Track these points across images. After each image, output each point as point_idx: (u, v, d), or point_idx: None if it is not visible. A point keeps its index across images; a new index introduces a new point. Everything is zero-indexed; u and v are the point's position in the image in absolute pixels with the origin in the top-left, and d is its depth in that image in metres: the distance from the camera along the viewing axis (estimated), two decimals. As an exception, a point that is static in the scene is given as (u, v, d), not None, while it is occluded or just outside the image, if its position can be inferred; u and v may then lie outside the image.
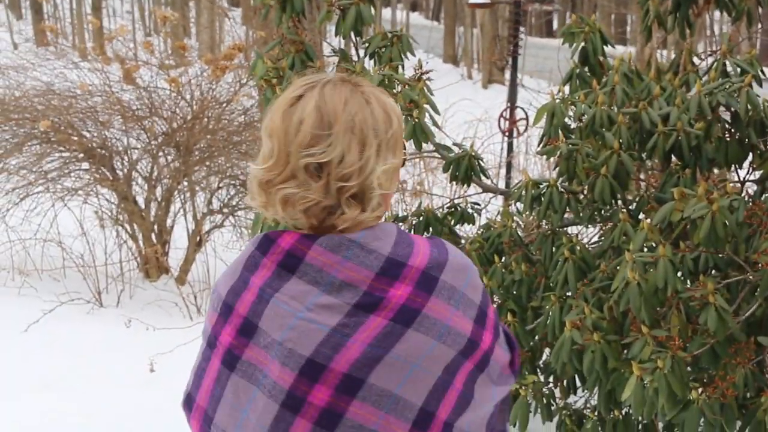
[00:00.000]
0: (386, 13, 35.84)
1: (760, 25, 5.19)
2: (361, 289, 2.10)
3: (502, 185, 10.18)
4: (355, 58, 4.91)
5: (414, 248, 2.16)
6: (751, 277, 3.92)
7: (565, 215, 4.47)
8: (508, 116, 11.54)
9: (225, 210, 9.40)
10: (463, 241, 4.71)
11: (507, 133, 11.41)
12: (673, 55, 4.97)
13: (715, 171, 4.58)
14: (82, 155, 9.13)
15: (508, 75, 15.60)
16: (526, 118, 11.20)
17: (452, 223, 4.84)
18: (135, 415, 6.06)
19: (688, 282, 4.01)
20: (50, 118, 8.85)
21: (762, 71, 4.36)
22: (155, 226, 9.31)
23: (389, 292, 2.10)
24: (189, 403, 2.30)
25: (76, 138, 9.03)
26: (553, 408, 4.53)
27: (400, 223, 4.73)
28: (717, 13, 4.84)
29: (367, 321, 2.09)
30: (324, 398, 2.09)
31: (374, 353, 2.09)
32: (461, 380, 2.17)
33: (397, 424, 2.11)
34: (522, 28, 13.64)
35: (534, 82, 18.83)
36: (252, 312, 2.16)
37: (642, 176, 4.78)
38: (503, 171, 11.16)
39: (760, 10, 4.69)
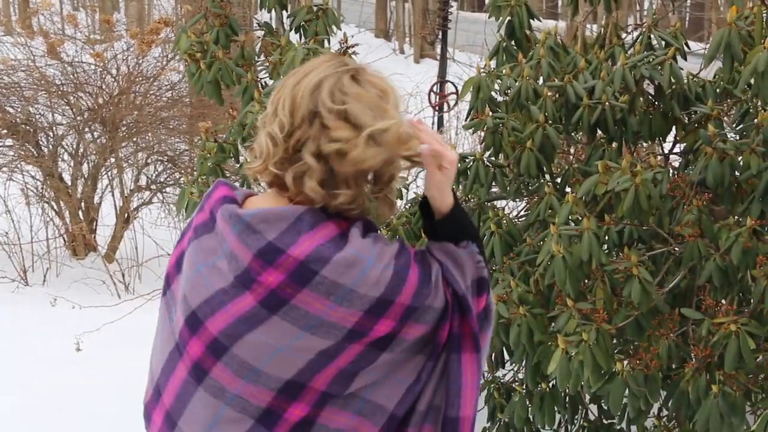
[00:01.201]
0: (317, -13, 35.70)
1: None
2: (243, 264, 2.14)
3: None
4: (281, 32, 4.87)
5: (300, 238, 2.13)
6: (675, 249, 3.97)
7: (492, 189, 4.48)
8: (438, 90, 11.54)
9: (153, 187, 9.31)
10: (391, 217, 4.70)
11: (437, 108, 11.41)
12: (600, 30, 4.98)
13: (642, 144, 4.61)
14: (5, 131, 8.98)
15: (438, 49, 15.62)
16: (456, 93, 11.20)
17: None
18: (62, 394, 5.99)
19: (613, 255, 4.05)
20: (-28, 94, 8.70)
21: (686, 44, 4.40)
22: (82, 203, 9.20)
23: (262, 275, 2.13)
24: None
25: (-1, 114, 8.89)
26: (481, 381, 4.54)
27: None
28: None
29: (242, 296, 2.15)
30: (197, 352, 2.22)
31: (237, 329, 2.15)
32: (346, 360, 2.17)
33: (258, 392, 2.18)
34: (452, 3, 13.62)
35: (465, 57, 18.83)
36: (182, 251, 2.34)
37: (568, 150, 4.81)
38: (434, 145, 11.16)
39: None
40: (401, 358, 2.24)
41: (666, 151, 4.61)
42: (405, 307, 2.15)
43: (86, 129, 9.15)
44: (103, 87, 9.18)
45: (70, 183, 9.13)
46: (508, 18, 4.68)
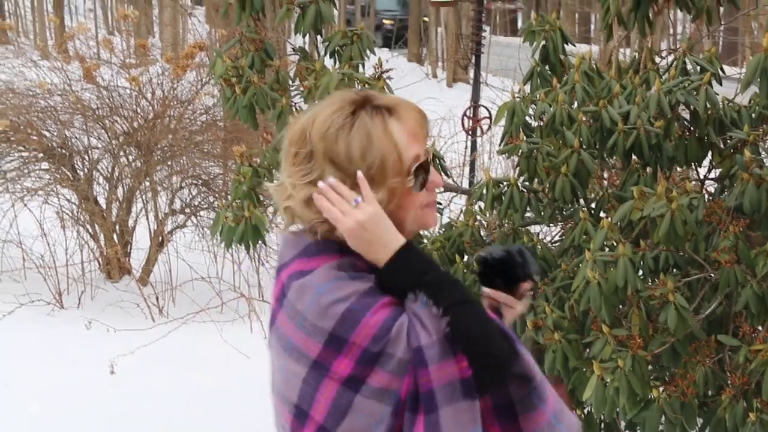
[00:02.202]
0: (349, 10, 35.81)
1: (721, 23, 5.21)
2: None
3: (466, 184, 10.18)
4: (316, 56, 4.89)
5: (294, 262, 2.19)
6: (711, 275, 3.94)
7: (527, 214, 4.47)
8: (471, 115, 11.54)
9: (187, 210, 9.34)
10: (425, 241, 4.69)
11: (470, 132, 11.40)
12: (634, 54, 4.97)
13: (677, 169, 4.59)
14: (42, 155, 9.04)
15: (472, 73, 15.64)
16: (490, 117, 11.20)
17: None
18: (96, 416, 6.02)
19: (649, 281, 4.02)
20: (9, 118, 8.75)
21: (721, 69, 4.38)
22: (117, 227, 9.23)
23: (272, 291, 2.26)
24: None
25: (35, 137, 8.94)
26: None
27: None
28: (679, 12, 4.84)
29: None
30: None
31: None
32: (328, 396, 2.14)
33: (283, 412, 2.26)
34: (485, 27, 13.63)
35: (498, 81, 18.85)
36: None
37: (603, 175, 4.79)
38: (467, 170, 11.14)
39: (720, 8, 4.71)
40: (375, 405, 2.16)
41: (701, 177, 4.59)
42: (362, 349, 2.09)
43: (121, 152, 9.20)
44: (138, 111, 9.22)
45: (105, 206, 9.17)
46: (543, 42, 4.69)
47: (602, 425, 4.49)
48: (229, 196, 5.36)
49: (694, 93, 4.07)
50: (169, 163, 9.26)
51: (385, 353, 2.08)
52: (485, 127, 11.41)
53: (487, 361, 2.10)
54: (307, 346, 2.13)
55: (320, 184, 2.12)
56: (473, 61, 12.49)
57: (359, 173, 2.10)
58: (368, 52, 4.75)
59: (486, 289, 2.32)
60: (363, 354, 2.08)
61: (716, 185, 4.43)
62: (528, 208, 4.36)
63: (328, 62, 4.77)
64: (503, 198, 4.29)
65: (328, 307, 2.10)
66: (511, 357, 2.15)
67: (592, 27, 32.74)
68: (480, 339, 2.09)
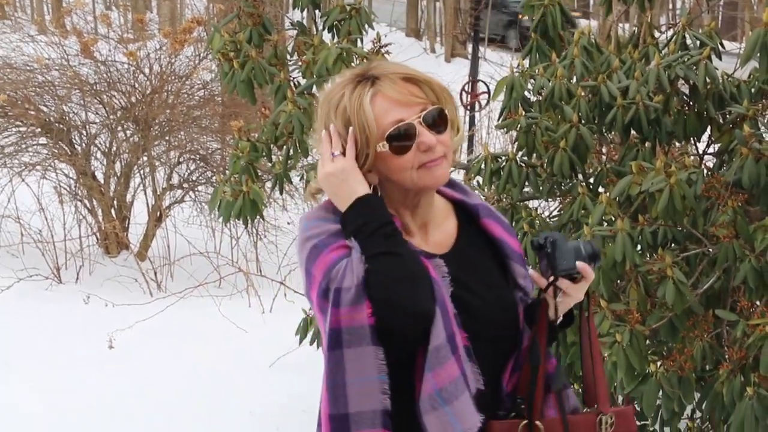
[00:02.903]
0: (349, -14, 35.72)
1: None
2: None
3: (465, 159, 10.18)
4: (314, 31, 4.87)
5: None
6: (709, 250, 3.94)
7: (525, 189, 4.47)
8: (470, 90, 11.53)
9: (185, 185, 9.33)
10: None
11: (469, 107, 11.39)
12: (633, 29, 4.96)
13: (676, 144, 4.58)
14: (39, 130, 9.02)
15: (470, 48, 15.59)
16: (488, 92, 11.18)
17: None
18: (95, 390, 6.03)
19: (647, 255, 4.02)
20: (7, 93, 8.73)
21: (721, 44, 4.36)
22: (115, 202, 9.23)
23: None
24: None
25: (33, 112, 8.92)
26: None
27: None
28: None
29: None
30: None
31: None
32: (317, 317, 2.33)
33: None
34: (484, 2, 13.61)
35: (497, 56, 18.82)
36: None
37: (602, 150, 4.78)
38: (465, 145, 11.14)
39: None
40: None
41: (700, 152, 4.58)
42: (318, 283, 2.22)
43: (119, 128, 9.19)
44: (136, 86, 9.20)
45: (102, 181, 9.17)
46: (542, 17, 4.67)
47: (600, 400, 4.50)
48: (227, 171, 5.36)
49: (694, 68, 4.05)
50: (167, 138, 9.25)
51: (329, 288, 2.19)
52: (483, 102, 11.40)
53: (388, 312, 2.16)
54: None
55: (323, 131, 2.30)
56: (472, 35, 12.46)
57: (350, 130, 2.25)
58: (366, 26, 4.74)
59: (530, 270, 2.38)
60: (319, 286, 2.21)
61: (715, 160, 4.42)
62: (526, 183, 4.35)
63: (327, 37, 4.76)
64: (501, 173, 4.28)
65: (303, 242, 2.30)
66: (419, 314, 2.18)
67: (591, 2, 32.64)
68: (385, 290, 2.16)
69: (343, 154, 2.25)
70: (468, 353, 2.25)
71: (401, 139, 2.23)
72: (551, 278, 2.30)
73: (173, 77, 9.32)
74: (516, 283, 2.40)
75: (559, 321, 2.39)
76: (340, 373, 2.19)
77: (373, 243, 2.20)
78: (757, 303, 3.90)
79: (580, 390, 2.56)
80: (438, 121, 2.25)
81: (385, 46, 4.66)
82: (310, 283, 2.26)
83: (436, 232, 2.38)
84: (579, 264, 2.27)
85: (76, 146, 9.10)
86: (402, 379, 2.21)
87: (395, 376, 2.20)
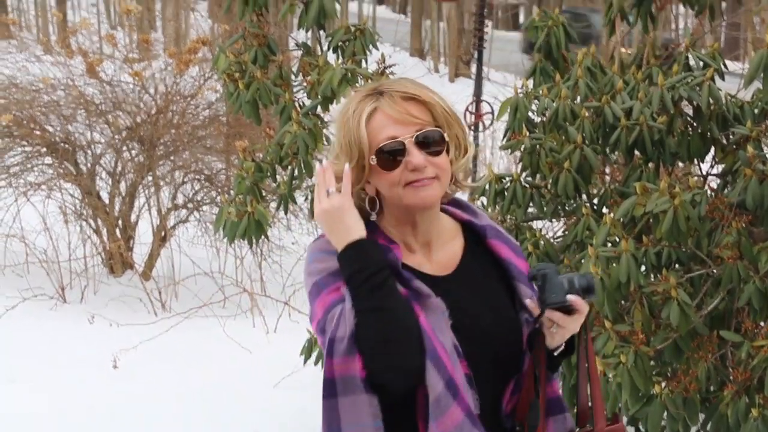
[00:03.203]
0: (352, 6, 35.81)
1: (723, 19, 5.20)
2: None
3: (469, 180, 10.18)
4: (319, 52, 4.88)
5: None
6: (713, 271, 3.94)
7: (529, 209, 4.47)
8: (473, 110, 11.54)
9: (190, 205, 9.33)
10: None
11: (473, 127, 11.40)
12: (636, 50, 4.97)
13: (679, 165, 4.58)
14: (45, 150, 9.03)
15: (474, 68, 15.63)
16: (492, 112, 11.19)
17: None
18: (99, 410, 6.02)
19: (651, 276, 4.02)
20: (12, 112, 8.75)
21: (724, 65, 4.37)
22: (119, 221, 9.23)
23: None
24: None
25: (38, 132, 8.93)
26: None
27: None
28: (681, 7, 4.84)
29: None
30: None
31: None
32: None
33: None
34: (487, 22, 13.63)
35: (500, 76, 18.87)
36: None
37: (606, 170, 4.79)
38: (470, 165, 11.15)
39: (723, 4, 4.70)
40: None
41: (704, 173, 4.58)
42: (318, 320, 2.27)
43: (124, 147, 9.19)
44: (141, 106, 9.21)
45: (107, 201, 9.17)
46: (545, 38, 4.68)
47: (604, 420, 4.49)
48: (231, 191, 5.36)
49: (697, 89, 4.06)
50: (172, 158, 9.25)
51: (325, 331, 2.23)
52: (487, 122, 11.41)
53: (377, 369, 2.19)
54: None
55: (317, 166, 2.35)
56: (475, 56, 12.47)
57: (346, 167, 2.26)
58: (371, 47, 4.75)
59: (527, 301, 2.36)
60: (318, 324, 2.26)
61: (719, 181, 4.42)
62: (531, 204, 4.36)
63: (331, 57, 4.77)
64: (506, 193, 4.29)
65: (307, 276, 2.34)
66: (407, 371, 2.21)
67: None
68: (372, 348, 2.19)
69: (339, 190, 2.26)
70: (469, 381, 2.25)
71: (389, 155, 2.25)
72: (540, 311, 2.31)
73: (178, 97, 9.33)
74: (522, 305, 2.39)
75: (560, 350, 2.39)
76: (335, 421, 2.23)
77: (363, 295, 2.21)
78: (762, 324, 3.90)
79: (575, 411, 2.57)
80: (433, 143, 2.25)
81: (390, 66, 4.66)
82: (312, 314, 2.29)
83: (440, 251, 2.38)
84: (570, 297, 2.26)
85: (81, 166, 9.10)
86: (403, 416, 2.24)
87: (397, 414, 2.23)
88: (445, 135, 2.28)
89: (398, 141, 2.24)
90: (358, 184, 2.30)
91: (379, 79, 4.47)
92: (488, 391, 2.31)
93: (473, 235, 2.46)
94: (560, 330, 2.32)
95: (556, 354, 2.38)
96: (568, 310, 2.28)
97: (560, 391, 2.49)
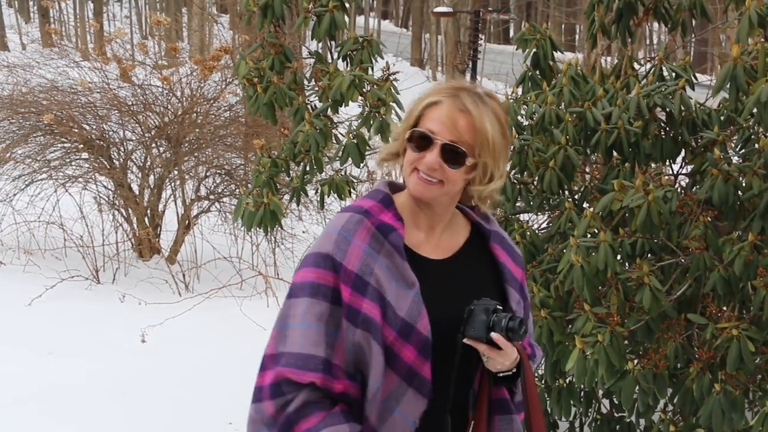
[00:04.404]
0: (360, 20, 35.76)
1: (693, 35, 5.19)
2: None
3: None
4: (329, 60, 4.88)
5: None
6: (682, 260, 3.94)
7: (518, 203, 4.47)
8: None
9: (211, 197, 9.35)
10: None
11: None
12: (616, 61, 4.97)
13: (653, 165, 4.59)
14: (82, 146, 9.06)
15: (469, 77, 15.60)
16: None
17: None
18: (129, 379, 6.03)
19: (626, 264, 4.02)
20: (53, 112, 8.76)
21: (694, 76, 4.37)
22: (148, 211, 9.25)
23: None
24: None
25: (76, 130, 8.95)
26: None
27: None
28: (656, 24, 4.84)
29: None
30: None
31: None
32: None
33: None
34: (481, 36, 13.65)
35: (492, 85, 18.83)
36: None
37: (587, 169, 4.79)
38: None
39: (693, 21, 4.70)
40: None
41: (675, 172, 4.59)
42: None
43: (153, 144, 9.22)
44: (169, 107, 9.23)
45: (137, 193, 9.19)
46: (534, 50, 4.69)
47: (582, 393, 4.50)
48: (249, 185, 5.36)
49: (670, 97, 4.06)
50: (196, 154, 9.27)
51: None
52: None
53: None
54: None
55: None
56: (470, 66, 12.48)
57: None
58: (376, 56, 4.74)
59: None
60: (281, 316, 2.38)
61: (688, 180, 4.42)
62: (519, 198, 4.36)
63: (341, 65, 4.77)
64: (496, 189, 4.28)
65: (313, 250, 2.33)
66: None
67: (577, 37, 32.69)
68: None
69: None
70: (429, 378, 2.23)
71: (419, 140, 2.23)
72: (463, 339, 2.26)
73: (202, 100, 9.35)
74: (510, 308, 2.36)
75: (505, 373, 2.34)
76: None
77: None
78: (725, 308, 3.91)
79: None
80: (454, 157, 2.21)
81: (394, 74, 4.66)
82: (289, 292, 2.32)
83: (443, 237, 2.35)
84: (493, 335, 2.22)
85: (114, 161, 9.13)
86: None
87: None
88: (468, 159, 2.23)
89: (430, 138, 2.21)
90: (399, 149, 2.31)
91: (384, 86, 4.48)
92: (460, 375, 2.29)
93: (480, 236, 2.43)
94: (489, 359, 2.29)
95: (500, 375, 2.34)
96: (491, 344, 2.24)
97: (508, 395, 2.42)
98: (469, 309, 2.25)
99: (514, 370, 2.33)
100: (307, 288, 2.24)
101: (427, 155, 2.22)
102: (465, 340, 2.24)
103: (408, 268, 2.23)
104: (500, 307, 2.26)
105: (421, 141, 2.23)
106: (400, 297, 2.20)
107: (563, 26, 34.12)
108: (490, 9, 29.81)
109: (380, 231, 2.25)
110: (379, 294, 2.19)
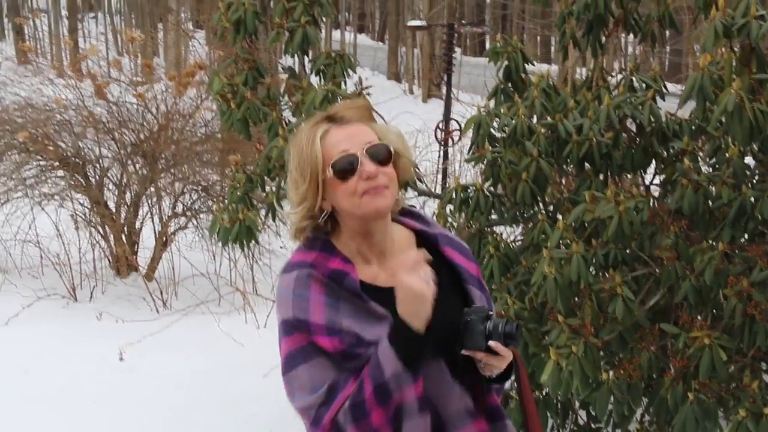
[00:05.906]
0: (336, 35, 35.77)
1: (666, 45, 5.24)
2: None
3: (440, 190, 10.19)
4: (303, 75, 4.90)
5: None
6: (654, 270, 3.96)
7: (492, 216, 4.48)
8: (443, 127, 11.58)
9: (188, 213, 9.32)
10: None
11: (443, 143, 11.43)
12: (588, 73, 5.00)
13: (626, 176, 4.62)
14: (57, 163, 9.01)
15: (444, 90, 15.66)
16: (460, 129, 11.22)
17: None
18: (107, 397, 6.01)
19: (599, 275, 4.04)
20: (28, 130, 8.73)
21: (665, 86, 4.40)
22: (125, 228, 9.21)
23: None
24: None
25: (52, 148, 8.91)
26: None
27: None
28: (631, 36, 4.88)
29: None
30: None
31: None
32: None
33: None
34: (457, 48, 13.72)
35: (468, 97, 18.88)
36: None
37: (559, 180, 4.81)
38: (440, 177, 11.17)
39: (667, 33, 4.74)
40: None
41: (647, 183, 4.62)
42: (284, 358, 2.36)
43: (129, 161, 9.18)
44: (144, 124, 9.20)
45: (114, 210, 9.15)
46: (506, 63, 4.71)
47: (558, 405, 4.51)
48: (226, 200, 5.37)
49: (640, 108, 4.09)
50: (172, 170, 9.24)
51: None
52: (456, 138, 11.44)
53: None
54: None
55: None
56: (445, 79, 12.52)
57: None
58: (350, 71, 4.76)
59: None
60: (285, 360, 2.35)
61: (659, 190, 4.46)
62: (492, 211, 4.37)
63: (314, 80, 4.78)
64: (470, 201, 4.31)
65: (279, 306, 2.34)
66: None
67: (552, 49, 32.82)
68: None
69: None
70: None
71: (344, 166, 2.22)
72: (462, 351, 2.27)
73: (178, 116, 9.33)
74: (473, 305, 2.36)
75: (496, 374, 2.35)
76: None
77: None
78: (697, 317, 3.93)
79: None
80: (381, 155, 2.24)
81: (367, 88, 4.68)
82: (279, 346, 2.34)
83: (394, 260, 2.31)
84: (491, 343, 2.23)
85: (90, 178, 9.09)
86: None
87: None
88: (392, 148, 2.27)
89: (351, 153, 2.22)
90: (315, 202, 2.27)
91: (357, 98, 4.49)
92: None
93: (427, 243, 2.41)
94: (486, 366, 2.30)
95: (493, 377, 2.35)
96: (490, 351, 2.26)
97: (499, 401, 2.46)
98: (465, 320, 2.26)
99: (503, 369, 2.35)
100: (298, 356, 2.27)
101: (362, 170, 2.22)
102: (464, 352, 2.26)
103: (373, 306, 2.23)
104: (492, 313, 2.29)
105: (346, 165, 2.23)
106: (377, 330, 2.20)
107: (538, 38, 34.25)
108: (464, 22, 29.98)
109: (333, 280, 2.25)
110: (354, 334, 2.21)
